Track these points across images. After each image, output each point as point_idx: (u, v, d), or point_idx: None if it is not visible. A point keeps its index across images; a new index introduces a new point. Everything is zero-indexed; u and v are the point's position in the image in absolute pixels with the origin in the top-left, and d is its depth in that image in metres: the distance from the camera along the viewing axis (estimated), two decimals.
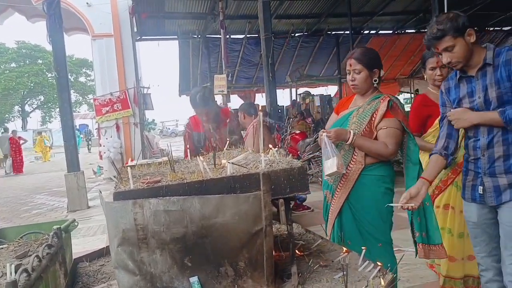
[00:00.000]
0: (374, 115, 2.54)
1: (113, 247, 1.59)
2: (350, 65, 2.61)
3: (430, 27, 2.15)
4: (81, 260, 2.39)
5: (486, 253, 2.27)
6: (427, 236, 2.53)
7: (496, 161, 2.11)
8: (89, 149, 28.23)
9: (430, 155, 2.39)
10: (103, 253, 2.42)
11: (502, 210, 2.11)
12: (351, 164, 2.57)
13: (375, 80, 2.60)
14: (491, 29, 16.71)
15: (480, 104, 2.14)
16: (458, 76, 2.25)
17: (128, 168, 1.71)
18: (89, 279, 2.17)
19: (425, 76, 3.10)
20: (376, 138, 2.55)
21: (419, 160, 2.56)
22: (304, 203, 6.52)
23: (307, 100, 16.18)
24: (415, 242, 2.58)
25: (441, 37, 2.10)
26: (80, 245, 5.36)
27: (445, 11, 8.50)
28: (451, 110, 2.27)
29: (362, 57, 2.57)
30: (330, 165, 2.44)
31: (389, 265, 1.83)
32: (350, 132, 2.51)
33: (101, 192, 1.75)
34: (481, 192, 2.19)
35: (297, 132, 9.13)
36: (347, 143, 2.52)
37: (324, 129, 2.60)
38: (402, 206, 2.17)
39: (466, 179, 2.29)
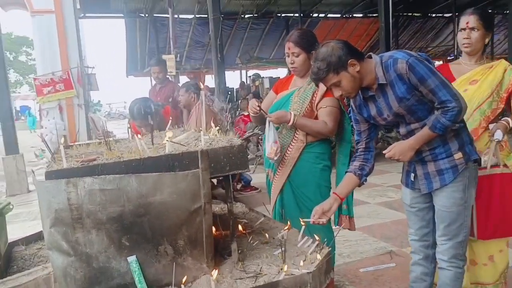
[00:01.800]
0: (315, 94, 2.63)
1: (46, 228, 1.54)
2: (289, 48, 2.65)
3: (313, 66, 2.09)
4: (17, 244, 2.31)
5: (417, 236, 2.36)
6: (348, 208, 2.74)
7: (423, 152, 2.16)
8: None
9: (345, 172, 2.37)
10: (41, 236, 2.34)
11: (435, 195, 2.22)
12: (292, 142, 2.66)
13: None
14: (434, 15, 17.33)
15: (393, 120, 2.17)
16: (361, 97, 2.21)
17: (61, 146, 1.65)
18: (24, 262, 2.10)
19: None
20: (316, 117, 2.63)
21: (351, 139, 2.68)
22: (252, 184, 6.58)
23: (257, 82, 16.20)
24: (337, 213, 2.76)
25: (324, 76, 2.04)
26: (20, 230, 5.15)
27: None
28: (387, 152, 2.16)
29: (300, 40, 2.62)
30: (266, 149, 2.60)
31: (325, 239, 1.89)
32: (291, 114, 2.58)
33: (33, 172, 1.68)
34: (413, 179, 2.27)
35: (246, 113, 9.15)
36: (289, 124, 2.59)
37: (260, 107, 2.64)
38: (313, 221, 2.18)
39: (403, 164, 2.38)
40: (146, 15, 13.91)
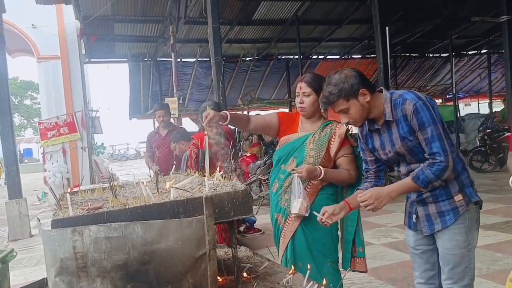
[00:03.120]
0: (331, 142, 2.66)
1: (51, 277, 1.54)
2: (300, 88, 2.70)
3: (324, 90, 2.13)
4: None
5: (422, 279, 2.34)
6: (363, 250, 2.72)
7: (424, 193, 2.17)
8: None
9: (356, 189, 2.38)
10: (43, 284, 2.32)
11: (438, 237, 2.21)
12: (308, 188, 2.66)
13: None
14: (431, 55, 17.66)
15: (394, 157, 2.20)
16: (367, 128, 2.25)
17: (67, 194, 1.67)
18: None
19: None
20: (334, 164, 2.67)
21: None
22: (255, 225, 6.53)
23: None
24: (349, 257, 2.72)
25: (334, 101, 2.08)
26: (21, 276, 5.10)
27: (387, 39, 8.95)
28: (361, 197, 2.15)
29: (312, 82, 2.68)
30: (296, 205, 2.56)
31: (331, 285, 1.88)
32: (320, 169, 2.58)
33: (39, 220, 1.70)
34: (415, 221, 2.28)
35: (248, 154, 9.19)
36: (319, 179, 2.60)
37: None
38: (321, 219, 2.21)
39: (406, 205, 2.38)
40: (150, 59, 14.22)
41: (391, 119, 2.11)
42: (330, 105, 2.12)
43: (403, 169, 2.22)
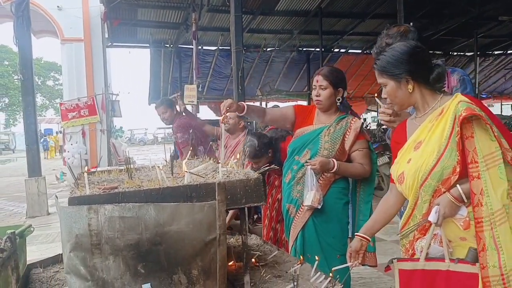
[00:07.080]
0: (346, 136, 2.66)
1: (66, 252, 1.60)
2: (317, 81, 2.70)
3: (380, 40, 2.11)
4: (35, 266, 2.36)
5: None
6: (374, 245, 2.66)
7: None
8: None
9: None
10: (58, 259, 2.39)
11: None
12: (320, 180, 2.67)
13: (339, 99, 2.70)
14: (455, 53, 17.35)
15: None
16: None
17: (85, 173, 1.72)
18: (42, 285, 2.15)
19: None
20: (349, 158, 2.68)
21: (375, 178, 2.77)
22: None
23: None
24: None
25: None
26: (37, 252, 5.23)
27: None
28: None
29: (329, 75, 2.68)
30: (308, 197, 2.57)
31: (338, 276, 1.89)
32: (333, 162, 2.58)
33: (57, 197, 1.75)
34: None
35: None
36: (332, 172, 2.60)
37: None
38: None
39: None
40: (171, 45, 14.28)
41: None
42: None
43: None
